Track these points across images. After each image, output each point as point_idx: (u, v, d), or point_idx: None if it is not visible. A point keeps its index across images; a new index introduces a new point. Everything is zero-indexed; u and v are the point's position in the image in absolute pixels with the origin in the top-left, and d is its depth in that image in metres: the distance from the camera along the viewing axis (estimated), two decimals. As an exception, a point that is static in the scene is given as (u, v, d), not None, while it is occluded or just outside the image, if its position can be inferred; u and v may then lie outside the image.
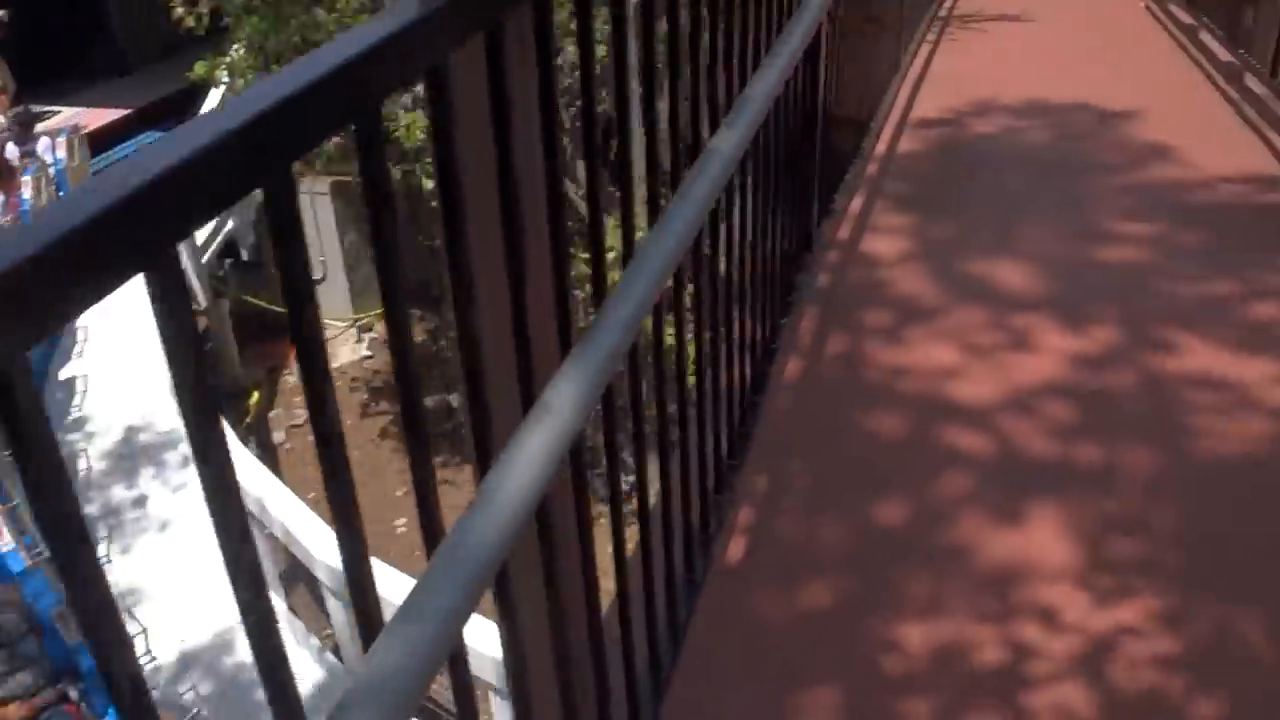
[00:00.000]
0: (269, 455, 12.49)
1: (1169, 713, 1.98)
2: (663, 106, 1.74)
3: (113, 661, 0.64)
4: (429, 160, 4.88)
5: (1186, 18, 7.68)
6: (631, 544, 1.71)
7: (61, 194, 12.42)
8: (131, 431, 11.19)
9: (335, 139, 3.10)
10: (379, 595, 0.89)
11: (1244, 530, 2.40)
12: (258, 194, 0.74)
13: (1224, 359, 3.00)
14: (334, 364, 13.61)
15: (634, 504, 1.82)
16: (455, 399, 11.24)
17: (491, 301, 1.16)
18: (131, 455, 10.99)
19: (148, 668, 8.56)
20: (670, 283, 1.64)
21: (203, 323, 13.04)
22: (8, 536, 8.84)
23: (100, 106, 16.97)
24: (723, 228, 2.13)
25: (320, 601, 9.62)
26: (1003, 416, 2.77)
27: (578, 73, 1.35)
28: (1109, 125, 5.19)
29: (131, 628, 6.66)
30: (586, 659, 1.57)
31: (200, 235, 12.55)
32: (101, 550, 9.48)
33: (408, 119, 8.68)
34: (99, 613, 0.62)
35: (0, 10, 14.03)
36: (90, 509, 10.20)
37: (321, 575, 8.67)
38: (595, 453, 1.56)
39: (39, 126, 14.05)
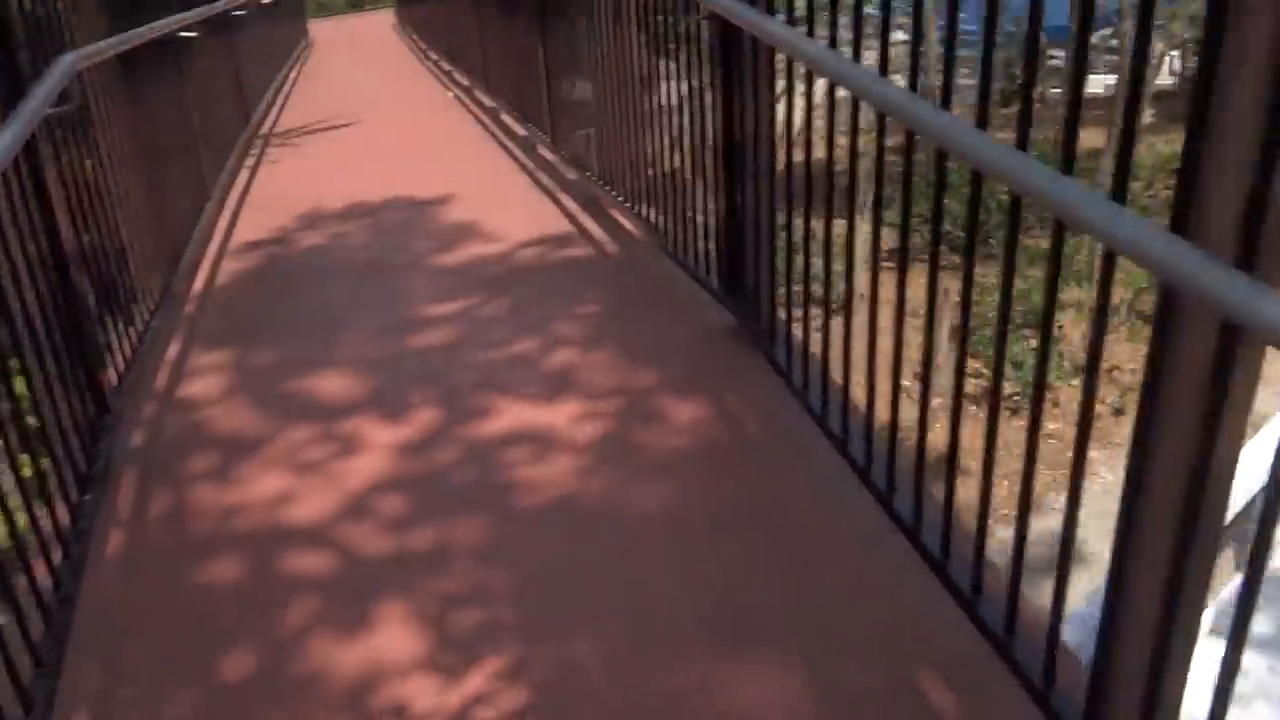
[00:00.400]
0: None
1: (524, 763, 2.06)
2: None
3: None
4: None
5: (489, 101, 8.47)
6: None
7: None
8: None
9: None
10: None
11: (568, 564, 2.61)
12: None
13: (534, 411, 3.27)
14: None
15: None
16: None
17: None
18: None
19: None
20: None
21: None
22: None
23: None
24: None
25: None
26: (340, 527, 2.77)
27: None
28: (424, 215, 5.52)
29: None
30: None
31: None
32: None
33: None
34: None
35: None
36: None
37: None
38: None
39: None
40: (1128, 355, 11.91)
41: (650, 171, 4.32)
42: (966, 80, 2.33)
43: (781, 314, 3.30)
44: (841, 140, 2.68)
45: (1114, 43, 16.29)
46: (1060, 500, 10.23)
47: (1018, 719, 2.00)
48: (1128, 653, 1.72)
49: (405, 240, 5.11)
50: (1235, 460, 1.50)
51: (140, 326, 3.67)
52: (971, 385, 11.54)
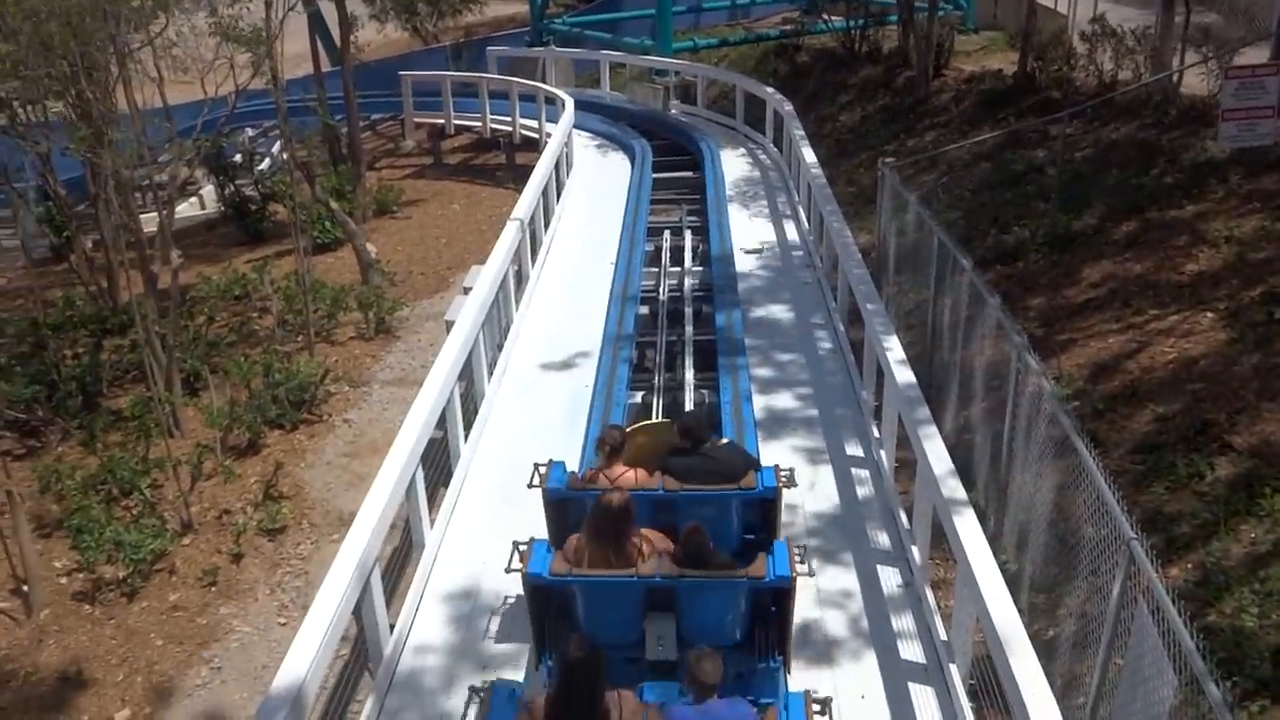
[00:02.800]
0: None
1: None
2: None
3: None
4: None
5: None
6: None
7: None
8: None
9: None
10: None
11: None
12: None
13: None
14: None
15: None
16: None
17: None
18: None
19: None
20: None
21: None
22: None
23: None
24: None
25: None
26: None
27: None
28: None
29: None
30: None
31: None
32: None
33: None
34: None
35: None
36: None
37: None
38: None
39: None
40: (235, 495, 11.77)
41: None
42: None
43: None
44: None
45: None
46: (204, 674, 9.56)
47: None
48: None
49: None
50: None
51: None
52: (81, 581, 10.30)
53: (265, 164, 23.46)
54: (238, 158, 22.86)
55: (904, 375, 7.73)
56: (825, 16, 24.10)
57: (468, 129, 24.42)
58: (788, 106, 16.93)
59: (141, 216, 15.94)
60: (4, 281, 20.49)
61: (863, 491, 8.08)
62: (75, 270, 17.11)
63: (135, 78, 13.88)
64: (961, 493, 6.29)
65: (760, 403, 9.29)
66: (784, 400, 9.44)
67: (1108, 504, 5.68)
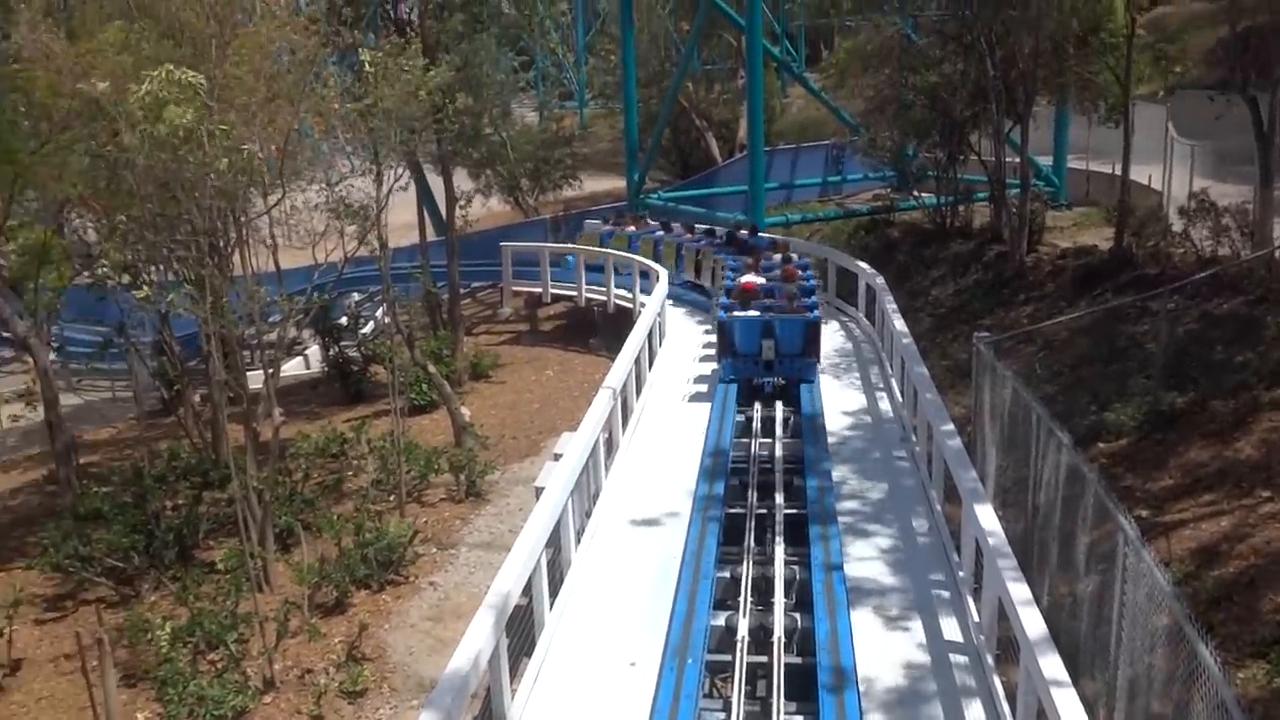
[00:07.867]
0: None
1: None
2: None
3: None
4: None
5: None
6: None
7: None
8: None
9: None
10: None
11: None
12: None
13: None
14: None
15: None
16: None
17: None
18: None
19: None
20: None
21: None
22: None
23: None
24: None
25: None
26: None
27: None
28: None
29: None
30: None
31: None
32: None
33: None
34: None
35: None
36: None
37: None
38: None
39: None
40: (318, 654, 11.72)
41: None
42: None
43: None
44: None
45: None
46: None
47: None
48: None
49: None
50: None
51: None
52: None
53: (369, 327, 24.28)
54: (343, 320, 23.73)
55: (1002, 552, 7.47)
56: (915, 193, 24.47)
57: (564, 298, 25.09)
58: (880, 280, 17.06)
59: (250, 373, 16.55)
60: (115, 431, 21.28)
61: (961, 677, 7.71)
62: (182, 423, 17.71)
63: (251, 244, 14.63)
64: (1067, 680, 5.96)
65: (853, 576, 9.04)
66: (877, 575, 9.18)
67: (1231, 711, 5.33)
